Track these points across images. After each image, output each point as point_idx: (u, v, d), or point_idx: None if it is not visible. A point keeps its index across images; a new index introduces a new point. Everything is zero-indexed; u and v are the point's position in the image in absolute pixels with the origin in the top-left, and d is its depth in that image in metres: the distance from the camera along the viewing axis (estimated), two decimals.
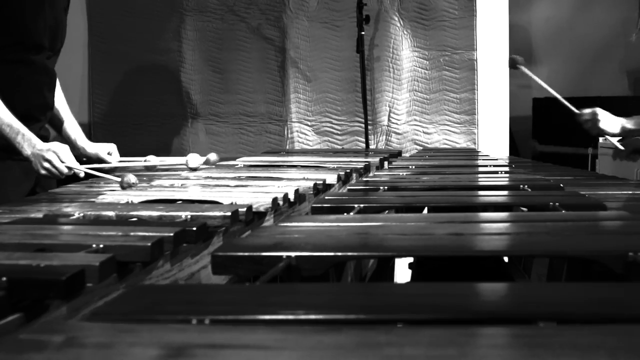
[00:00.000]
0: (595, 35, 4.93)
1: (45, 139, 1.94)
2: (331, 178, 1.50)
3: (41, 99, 1.95)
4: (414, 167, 1.87)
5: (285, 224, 0.94)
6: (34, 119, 1.90)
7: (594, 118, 2.57)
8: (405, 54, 3.74)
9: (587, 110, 2.61)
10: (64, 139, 2.14)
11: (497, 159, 2.34)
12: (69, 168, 1.72)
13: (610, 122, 2.57)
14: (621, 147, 2.69)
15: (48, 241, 0.78)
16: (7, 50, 1.84)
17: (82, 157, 2.12)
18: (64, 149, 1.74)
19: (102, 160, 2.06)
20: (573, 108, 2.69)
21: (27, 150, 1.73)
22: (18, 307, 0.60)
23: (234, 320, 0.51)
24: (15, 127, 1.75)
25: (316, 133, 3.82)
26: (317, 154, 2.67)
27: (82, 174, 1.75)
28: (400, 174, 1.67)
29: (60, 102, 2.14)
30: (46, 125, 2.04)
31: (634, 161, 2.54)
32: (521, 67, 2.88)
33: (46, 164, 1.71)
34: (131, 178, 1.44)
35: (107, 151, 2.07)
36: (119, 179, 1.49)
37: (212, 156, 1.94)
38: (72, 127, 2.13)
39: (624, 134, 2.61)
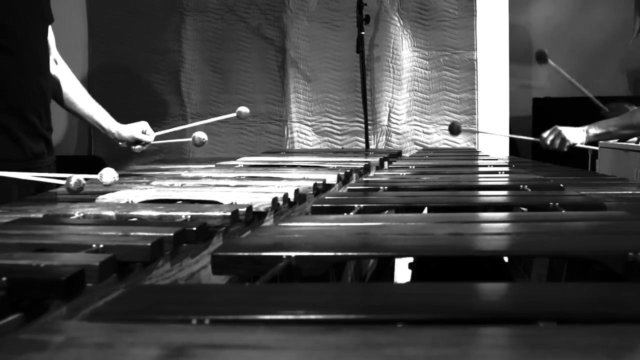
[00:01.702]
0: (595, 35, 4.93)
1: (47, 140, 1.90)
2: (331, 178, 1.50)
3: (36, 86, 1.83)
4: (414, 167, 1.87)
5: (285, 224, 0.94)
6: (34, 111, 1.81)
7: (558, 133, 2.61)
8: (405, 54, 3.74)
9: (547, 131, 2.66)
10: (96, 127, 2.13)
11: (497, 159, 2.34)
12: None
13: (574, 133, 2.62)
14: (595, 148, 2.74)
15: (48, 241, 0.78)
16: None
17: (118, 141, 2.11)
18: None
19: (139, 141, 2.06)
20: (534, 139, 2.77)
21: None
22: (18, 307, 0.60)
23: (234, 320, 0.51)
24: None
25: (316, 133, 3.82)
26: (317, 154, 2.66)
27: None
28: (400, 174, 1.67)
29: (80, 93, 2.08)
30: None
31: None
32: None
33: None
34: (80, 179, 1.38)
35: (142, 130, 2.07)
36: (63, 182, 1.43)
37: (243, 109, 2.01)
38: (101, 115, 2.11)
39: (592, 140, 2.66)
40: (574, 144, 2.64)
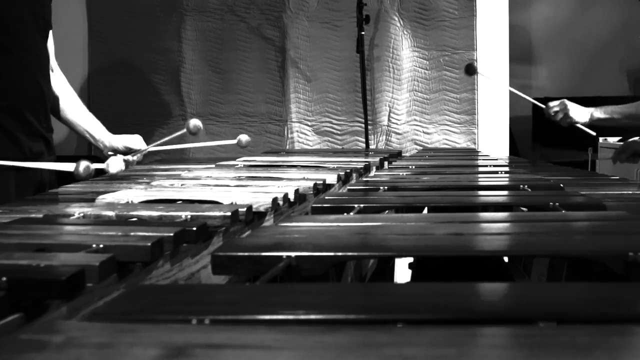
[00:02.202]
0: (595, 35, 4.93)
1: (46, 140, 1.90)
2: (331, 178, 1.50)
3: (36, 86, 1.83)
4: (414, 167, 1.87)
5: (285, 224, 0.94)
6: (32, 111, 1.80)
7: (564, 107, 2.66)
8: (405, 54, 3.74)
9: (555, 102, 2.70)
10: (85, 136, 2.11)
11: (497, 159, 2.34)
12: None
13: (579, 112, 2.66)
14: (593, 133, 2.78)
15: (48, 241, 0.78)
16: None
17: (109, 151, 2.09)
18: None
19: (131, 150, 2.04)
20: (539, 104, 2.80)
21: None
22: (18, 307, 0.60)
23: (234, 320, 0.51)
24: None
25: (316, 133, 3.82)
26: (317, 154, 2.66)
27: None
28: (400, 174, 1.67)
29: (74, 102, 2.05)
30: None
31: (634, 163, 2.59)
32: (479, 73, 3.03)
33: None
34: (89, 165, 1.38)
35: (135, 141, 2.05)
36: (72, 168, 1.43)
37: (244, 137, 2.02)
38: (93, 125, 2.09)
39: (594, 123, 2.70)
40: (576, 122, 2.68)
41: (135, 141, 2.05)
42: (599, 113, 2.66)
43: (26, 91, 1.81)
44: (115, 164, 1.53)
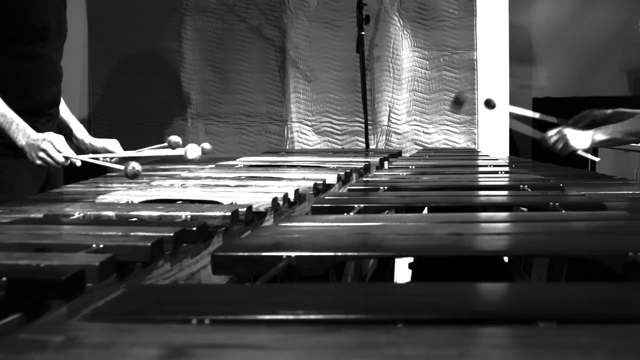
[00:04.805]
0: (595, 35, 4.93)
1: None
2: (331, 178, 1.50)
3: (48, 93, 1.95)
4: (414, 167, 1.87)
5: (285, 224, 0.94)
6: (42, 114, 1.91)
7: (563, 136, 2.49)
8: (405, 54, 3.74)
9: (553, 131, 2.53)
10: (68, 135, 2.18)
11: (497, 159, 2.34)
12: (66, 157, 1.70)
13: (579, 138, 2.47)
14: (596, 159, 2.67)
15: (48, 241, 0.78)
16: (12, 44, 1.84)
17: (89, 151, 2.17)
18: (59, 139, 1.72)
19: (108, 152, 2.13)
20: (536, 136, 2.66)
21: (22, 141, 1.72)
22: (18, 307, 0.60)
23: (234, 320, 0.51)
24: (9, 117, 1.73)
25: (316, 133, 3.82)
26: (317, 154, 2.67)
27: (78, 163, 1.73)
28: (400, 174, 1.67)
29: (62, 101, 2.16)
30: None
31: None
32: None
33: (41, 154, 1.69)
34: (135, 166, 1.44)
35: (113, 145, 2.13)
36: (122, 167, 1.51)
37: (206, 145, 2.03)
38: (76, 126, 2.16)
39: (596, 146, 2.55)
40: (576, 150, 2.53)
41: (112, 145, 2.11)
42: (600, 135, 2.48)
43: (43, 96, 1.93)
44: (192, 151, 1.60)
